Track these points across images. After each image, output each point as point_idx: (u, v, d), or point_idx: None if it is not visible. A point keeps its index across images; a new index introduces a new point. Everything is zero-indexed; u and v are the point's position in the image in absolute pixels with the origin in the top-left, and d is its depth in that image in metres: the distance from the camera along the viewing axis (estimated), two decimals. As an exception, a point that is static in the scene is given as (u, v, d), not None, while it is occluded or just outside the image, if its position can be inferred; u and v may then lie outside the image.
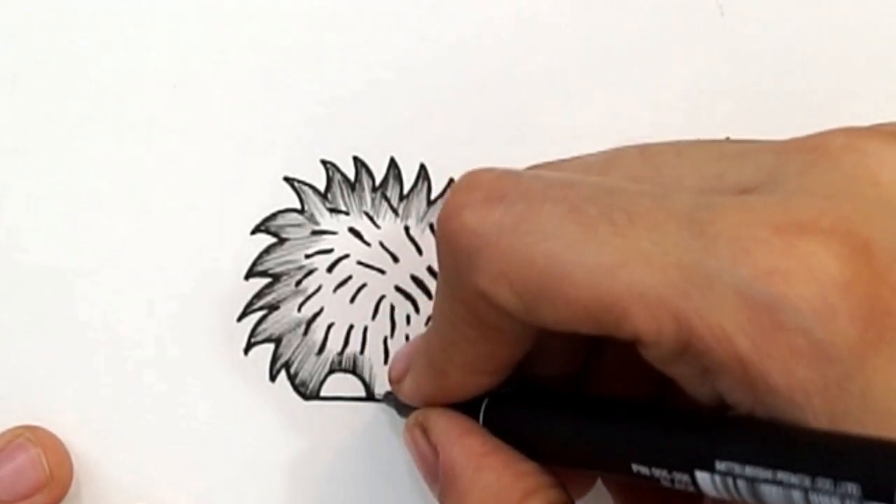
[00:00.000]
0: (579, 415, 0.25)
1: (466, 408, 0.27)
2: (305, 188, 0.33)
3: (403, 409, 0.30)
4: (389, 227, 0.33)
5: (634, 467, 0.23)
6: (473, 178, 0.24)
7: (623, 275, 0.21)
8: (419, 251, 0.33)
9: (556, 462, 0.26)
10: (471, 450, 0.26)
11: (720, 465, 0.21)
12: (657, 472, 0.22)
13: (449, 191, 0.25)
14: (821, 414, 0.20)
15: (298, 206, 0.33)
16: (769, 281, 0.20)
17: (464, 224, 0.24)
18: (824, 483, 0.19)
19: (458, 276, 0.24)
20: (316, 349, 0.33)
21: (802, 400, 0.20)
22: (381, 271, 0.33)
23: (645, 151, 0.26)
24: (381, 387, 0.33)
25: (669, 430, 0.23)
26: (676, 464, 0.22)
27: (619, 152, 0.26)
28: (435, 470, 0.27)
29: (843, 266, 0.20)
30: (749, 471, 0.21)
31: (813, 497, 0.20)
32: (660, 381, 0.24)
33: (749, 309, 0.21)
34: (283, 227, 0.33)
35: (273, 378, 0.32)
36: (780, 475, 0.20)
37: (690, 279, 0.21)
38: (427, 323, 0.33)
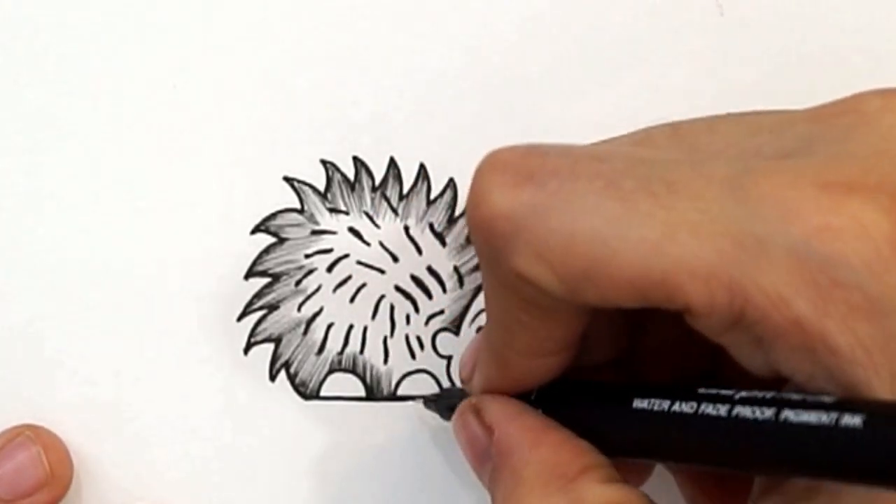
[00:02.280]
0: (627, 407, 0.24)
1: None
2: (305, 188, 0.33)
3: (447, 413, 0.30)
4: (389, 227, 0.33)
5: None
6: (497, 158, 0.23)
7: (671, 248, 0.21)
8: (419, 251, 0.33)
9: (610, 454, 0.25)
10: (528, 426, 0.25)
11: None
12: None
13: (473, 174, 0.24)
14: (882, 370, 0.20)
15: (298, 205, 0.33)
16: (821, 239, 0.20)
17: (494, 208, 0.23)
18: None
19: (497, 263, 0.23)
20: (316, 349, 0.33)
21: (864, 357, 0.20)
22: (381, 271, 0.33)
23: (677, 130, 0.25)
24: (382, 387, 0.33)
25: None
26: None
27: (649, 131, 0.25)
28: (484, 452, 0.26)
29: (894, 221, 0.20)
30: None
31: None
32: (709, 356, 0.23)
33: (804, 269, 0.20)
34: (282, 226, 0.33)
35: (273, 378, 0.32)
36: None
37: (741, 246, 0.21)
38: (426, 322, 0.33)
